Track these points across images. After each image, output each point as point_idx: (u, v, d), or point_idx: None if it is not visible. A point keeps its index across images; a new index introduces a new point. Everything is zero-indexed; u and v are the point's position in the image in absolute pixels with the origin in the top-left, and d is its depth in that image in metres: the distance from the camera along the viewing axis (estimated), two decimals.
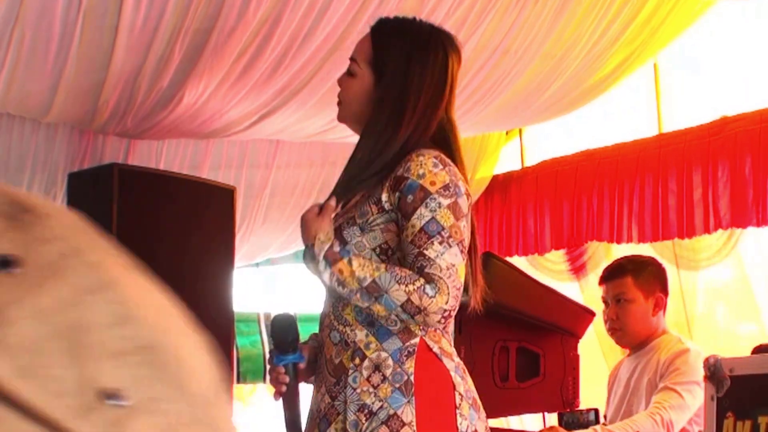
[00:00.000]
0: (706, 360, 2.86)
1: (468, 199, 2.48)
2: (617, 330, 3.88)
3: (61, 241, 0.45)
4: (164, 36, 4.02)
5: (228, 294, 4.78)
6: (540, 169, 6.16)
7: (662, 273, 3.94)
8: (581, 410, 3.87)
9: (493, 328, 3.74)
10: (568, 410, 3.88)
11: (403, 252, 2.43)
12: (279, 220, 5.72)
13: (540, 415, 4.18)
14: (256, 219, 5.68)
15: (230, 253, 4.84)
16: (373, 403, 2.38)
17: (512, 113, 5.42)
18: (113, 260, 0.46)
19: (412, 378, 2.39)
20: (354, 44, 2.69)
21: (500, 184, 6.39)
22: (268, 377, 2.86)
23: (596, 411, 3.84)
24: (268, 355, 2.57)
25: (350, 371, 2.42)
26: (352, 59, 2.61)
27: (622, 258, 4.13)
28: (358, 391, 2.40)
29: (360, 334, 2.44)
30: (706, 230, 5.08)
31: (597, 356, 5.53)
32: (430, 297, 2.35)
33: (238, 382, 6.03)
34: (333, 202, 2.48)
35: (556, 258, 6.06)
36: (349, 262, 2.39)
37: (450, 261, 2.38)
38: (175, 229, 4.59)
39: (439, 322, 2.38)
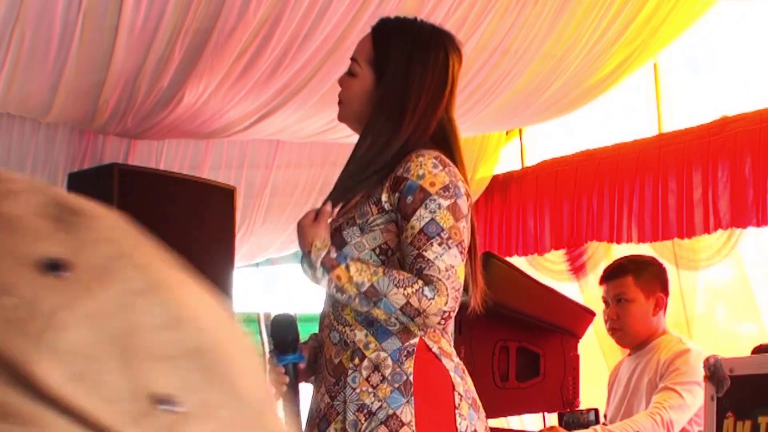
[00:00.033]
0: (706, 360, 2.86)
1: (468, 199, 2.48)
2: (618, 330, 3.88)
3: (108, 243, 0.44)
4: (164, 36, 4.02)
5: (228, 294, 4.78)
6: (540, 169, 6.16)
7: (663, 273, 3.95)
8: (581, 410, 3.87)
9: (493, 328, 3.74)
10: (568, 410, 3.88)
11: (403, 253, 2.43)
12: (279, 220, 5.72)
13: (540, 415, 4.18)
14: (256, 219, 5.68)
15: (230, 253, 4.84)
16: (372, 403, 2.38)
17: (512, 113, 5.42)
18: (161, 262, 0.46)
19: (411, 378, 2.39)
20: (354, 44, 2.69)
21: (500, 184, 6.39)
22: (268, 377, 2.86)
23: (596, 411, 3.84)
24: (268, 355, 2.57)
25: (350, 371, 2.42)
26: (353, 59, 2.61)
27: (622, 258, 4.13)
28: (358, 391, 2.40)
29: (359, 334, 2.44)
30: (706, 230, 5.08)
31: (597, 356, 5.53)
32: (429, 299, 2.35)
33: None
34: (328, 207, 2.48)
35: (556, 258, 6.06)
36: (347, 267, 2.39)
37: (449, 262, 2.38)
38: (175, 229, 4.58)
39: (438, 323, 2.38)
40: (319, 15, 4.13)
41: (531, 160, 6.38)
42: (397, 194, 2.44)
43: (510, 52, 4.79)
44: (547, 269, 6.05)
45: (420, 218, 2.40)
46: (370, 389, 2.39)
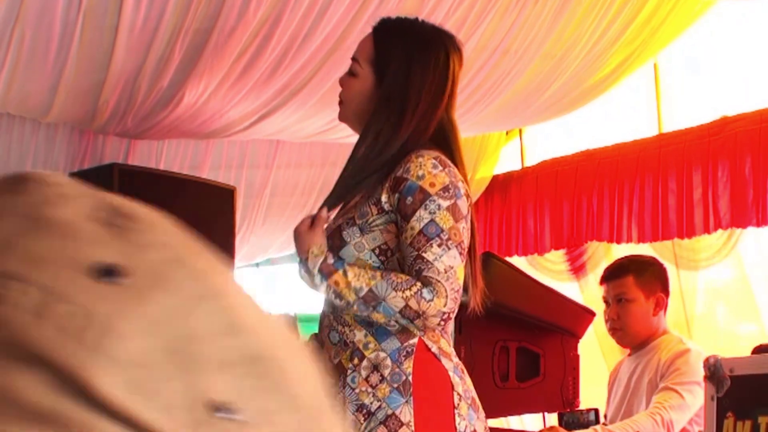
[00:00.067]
0: (706, 360, 2.85)
1: (467, 200, 2.48)
2: (618, 330, 3.88)
3: (163, 248, 0.43)
4: (164, 36, 4.02)
5: None
6: (540, 169, 6.16)
7: (663, 273, 3.95)
8: (581, 410, 3.87)
9: (493, 328, 3.74)
10: (568, 410, 3.88)
11: (402, 253, 2.43)
12: (279, 220, 5.72)
13: (540, 415, 4.18)
14: (256, 219, 5.68)
15: (230, 253, 4.84)
16: (371, 403, 2.38)
17: (512, 113, 5.42)
18: (215, 267, 0.45)
19: (410, 378, 2.39)
20: (354, 44, 2.69)
21: (500, 184, 6.39)
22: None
23: (596, 411, 3.84)
24: None
25: (349, 371, 2.42)
26: (353, 59, 2.61)
27: (623, 258, 4.13)
28: (357, 391, 2.40)
29: (359, 335, 2.44)
30: (706, 230, 5.08)
31: (597, 356, 5.53)
32: (428, 301, 2.35)
33: None
34: (324, 213, 2.48)
35: (556, 258, 6.06)
36: (344, 273, 2.39)
37: (448, 263, 2.38)
38: None
39: (438, 324, 2.39)
40: (319, 15, 4.13)
41: (531, 160, 6.39)
42: (396, 195, 2.43)
43: (510, 52, 4.79)
44: (547, 269, 6.05)
45: (420, 219, 2.40)
46: (369, 389, 2.39)
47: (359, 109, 2.57)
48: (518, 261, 5.88)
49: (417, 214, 2.40)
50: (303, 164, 5.67)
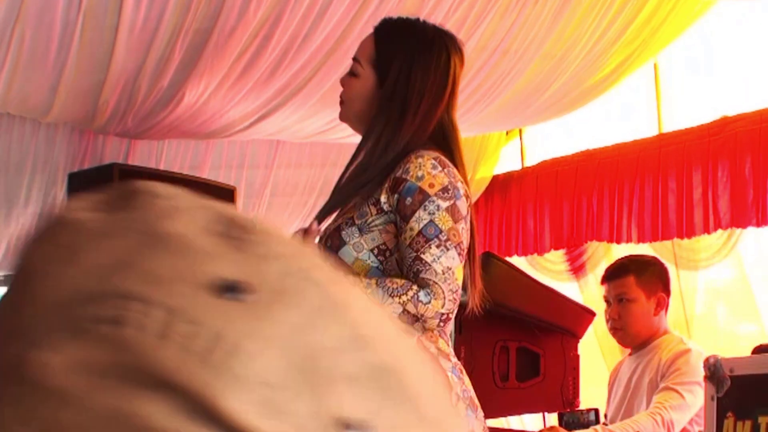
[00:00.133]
0: (707, 360, 2.85)
1: (467, 201, 2.47)
2: (619, 329, 3.87)
3: (283, 260, 0.42)
4: (164, 36, 4.02)
5: None
6: (540, 169, 6.16)
7: (664, 273, 3.95)
8: (581, 410, 3.87)
9: (493, 328, 3.74)
10: (568, 410, 3.88)
11: (401, 254, 2.42)
12: (279, 220, 5.72)
13: (540, 415, 4.18)
14: None
15: None
16: None
17: (512, 113, 5.42)
18: (336, 278, 0.43)
19: None
20: (354, 44, 2.69)
21: (500, 184, 6.39)
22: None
23: (596, 411, 3.84)
24: None
25: None
26: (354, 59, 2.61)
27: (624, 257, 4.13)
28: None
29: None
30: (706, 230, 5.08)
31: (597, 356, 5.53)
32: (425, 304, 2.35)
33: None
34: (315, 226, 2.48)
35: (556, 258, 6.06)
36: None
37: (446, 264, 2.37)
38: None
39: (438, 325, 2.39)
40: (319, 15, 4.13)
41: (531, 160, 6.39)
42: (396, 195, 2.43)
43: (510, 52, 4.79)
44: (547, 269, 6.05)
45: (419, 220, 2.40)
46: None
47: (360, 109, 2.57)
48: (518, 261, 5.88)
49: (416, 214, 2.40)
50: (303, 164, 5.67)
